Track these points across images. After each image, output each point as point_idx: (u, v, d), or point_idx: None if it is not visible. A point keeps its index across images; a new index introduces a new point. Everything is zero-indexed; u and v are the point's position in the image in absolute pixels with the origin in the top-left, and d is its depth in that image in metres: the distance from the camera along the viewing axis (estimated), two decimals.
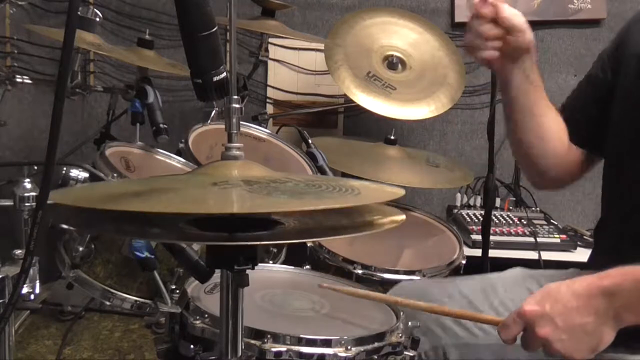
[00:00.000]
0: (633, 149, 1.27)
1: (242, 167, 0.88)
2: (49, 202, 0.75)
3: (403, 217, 0.90)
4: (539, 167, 1.41)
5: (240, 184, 0.82)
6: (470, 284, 1.42)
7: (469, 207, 2.47)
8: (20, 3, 2.21)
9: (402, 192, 0.88)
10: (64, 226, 0.81)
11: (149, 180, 1.00)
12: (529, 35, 1.32)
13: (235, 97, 0.89)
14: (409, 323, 1.21)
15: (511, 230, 2.23)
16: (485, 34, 1.29)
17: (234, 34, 0.89)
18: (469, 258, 1.89)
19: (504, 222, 2.30)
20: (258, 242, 0.86)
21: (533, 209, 2.48)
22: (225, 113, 0.89)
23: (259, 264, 0.88)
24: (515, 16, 1.30)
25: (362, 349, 1.08)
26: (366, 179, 2.16)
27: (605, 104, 1.34)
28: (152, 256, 1.35)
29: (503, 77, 1.35)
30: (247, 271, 0.87)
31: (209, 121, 0.92)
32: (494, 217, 2.27)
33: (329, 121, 2.63)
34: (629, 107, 1.28)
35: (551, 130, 1.38)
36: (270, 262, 1.68)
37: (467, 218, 2.34)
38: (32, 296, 1.11)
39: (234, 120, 0.89)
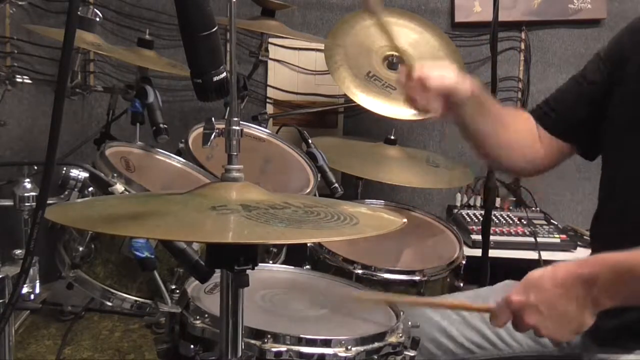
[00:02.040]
0: (632, 147, 1.28)
1: (241, 190, 0.89)
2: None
3: (404, 221, 0.90)
4: (507, 169, 1.49)
5: (238, 209, 0.82)
6: (462, 299, 1.43)
7: (469, 207, 2.47)
8: (20, 3, 2.21)
9: (401, 222, 0.91)
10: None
11: (147, 198, 1.00)
12: (464, 86, 1.31)
13: (236, 119, 0.90)
14: (409, 323, 1.21)
15: (511, 230, 2.23)
16: (420, 100, 1.31)
17: (234, 34, 0.89)
18: (469, 258, 1.89)
19: (504, 222, 2.30)
20: (258, 242, 0.86)
21: (533, 209, 2.48)
22: (226, 135, 0.90)
23: (259, 264, 0.88)
24: (443, 80, 1.30)
25: (362, 349, 1.08)
26: (366, 179, 2.17)
27: (597, 105, 1.35)
28: (152, 256, 1.35)
29: (454, 119, 1.38)
30: (247, 271, 0.87)
31: (208, 144, 0.93)
32: (494, 217, 2.27)
33: (329, 121, 2.63)
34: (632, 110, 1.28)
35: (517, 139, 1.42)
36: (270, 262, 1.67)
37: (467, 218, 2.34)
38: (32, 296, 1.11)
39: (234, 142, 0.90)
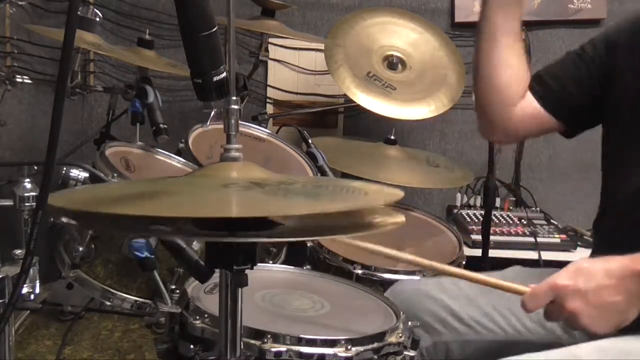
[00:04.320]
0: (634, 142, 1.28)
1: (243, 169, 0.89)
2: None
3: (403, 219, 0.90)
4: (489, 113, 1.43)
5: (250, 186, 0.82)
6: (469, 282, 1.41)
7: (469, 207, 2.47)
8: (20, 3, 2.20)
9: (401, 193, 0.89)
10: (65, 220, 0.80)
11: (150, 182, 1.00)
12: None
13: (234, 98, 0.89)
14: (409, 323, 1.21)
15: (511, 230, 2.23)
16: None
17: (233, 34, 0.89)
18: (469, 258, 1.90)
19: (504, 222, 2.30)
20: (258, 240, 0.86)
21: (533, 209, 2.48)
22: (224, 114, 0.89)
23: (259, 264, 0.88)
24: None
25: (362, 349, 1.08)
26: (366, 179, 2.17)
27: (589, 87, 1.34)
28: (152, 256, 1.35)
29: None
30: (247, 271, 0.87)
31: (208, 122, 0.92)
32: (494, 217, 2.27)
33: (329, 121, 2.63)
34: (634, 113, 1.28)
35: (509, 69, 1.38)
36: (270, 262, 1.67)
37: (467, 218, 2.34)
38: (32, 296, 1.11)
39: (233, 121, 0.90)
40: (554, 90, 1.40)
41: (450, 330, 1.35)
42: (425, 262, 1.24)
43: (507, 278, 1.38)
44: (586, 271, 1.06)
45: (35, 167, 1.28)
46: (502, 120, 1.42)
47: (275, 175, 0.90)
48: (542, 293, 1.08)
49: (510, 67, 1.39)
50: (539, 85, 1.41)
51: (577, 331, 1.32)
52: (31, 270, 1.09)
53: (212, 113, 0.93)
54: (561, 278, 1.07)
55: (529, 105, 1.40)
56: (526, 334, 1.36)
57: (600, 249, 1.39)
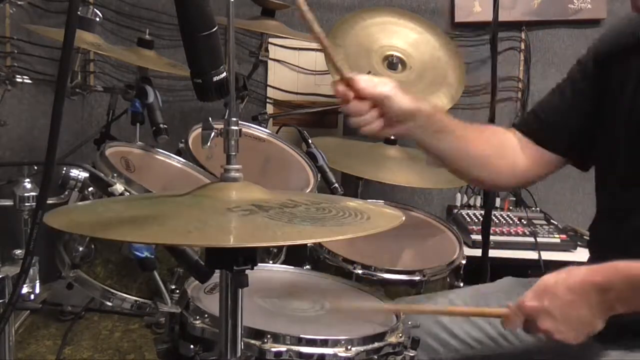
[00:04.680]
0: (627, 153, 1.27)
1: (243, 189, 0.89)
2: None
3: (402, 218, 0.90)
4: (483, 184, 1.46)
5: (254, 210, 0.82)
6: (462, 296, 1.44)
7: (469, 207, 2.47)
8: (20, 3, 2.21)
9: (400, 216, 0.92)
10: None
11: (151, 201, 1.00)
12: (399, 101, 1.25)
13: (234, 119, 0.90)
14: (409, 323, 1.21)
15: (511, 230, 2.23)
16: (355, 110, 1.24)
17: (233, 34, 0.89)
18: (469, 258, 1.89)
19: (504, 222, 2.30)
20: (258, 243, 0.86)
21: (533, 209, 2.48)
22: (224, 135, 0.90)
23: (259, 264, 0.88)
24: (375, 86, 1.24)
25: (362, 349, 1.08)
26: (366, 179, 2.17)
27: (586, 114, 1.34)
28: (152, 256, 1.35)
29: (407, 137, 1.33)
30: (247, 271, 0.87)
31: (207, 144, 0.93)
32: (494, 217, 2.27)
33: (329, 121, 2.63)
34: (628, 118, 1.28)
35: (486, 154, 1.38)
36: (270, 262, 1.67)
37: (467, 218, 2.34)
38: (32, 296, 1.11)
39: (233, 142, 0.90)
40: (545, 125, 1.39)
41: (446, 346, 1.36)
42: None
43: (498, 290, 1.42)
44: (551, 290, 1.11)
45: (35, 167, 1.28)
46: (505, 178, 1.41)
47: (276, 196, 0.90)
48: (514, 316, 1.13)
49: (483, 146, 1.38)
50: (530, 125, 1.41)
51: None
52: (31, 270, 1.09)
53: (212, 134, 0.93)
54: (528, 299, 1.12)
55: (529, 147, 1.39)
56: (520, 345, 1.37)
57: (595, 252, 1.40)
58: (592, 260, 1.36)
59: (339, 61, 1.24)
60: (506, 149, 1.40)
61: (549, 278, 1.12)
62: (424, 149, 1.35)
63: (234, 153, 0.90)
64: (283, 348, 1.06)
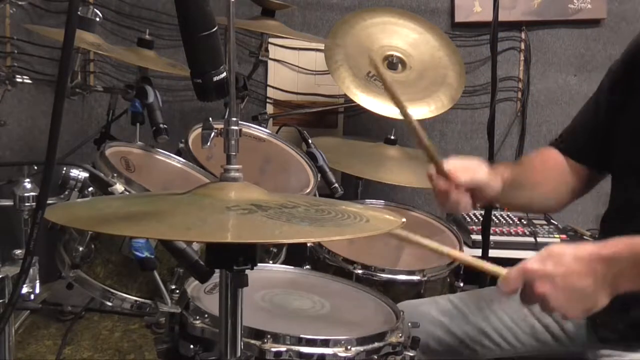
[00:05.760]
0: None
1: (243, 190, 0.89)
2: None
3: (403, 220, 0.91)
4: (546, 211, 1.62)
5: (253, 209, 0.82)
6: (464, 299, 1.43)
7: None
8: (20, 3, 2.20)
9: (400, 221, 0.92)
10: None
11: (152, 199, 1.00)
12: (496, 183, 1.32)
13: (234, 119, 0.90)
14: (409, 323, 1.21)
15: (511, 230, 2.23)
16: (455, 200, 1.31)
17: (233, 34, 0.89)
18: None
19: (504, 222, 2.30)
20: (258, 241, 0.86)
21: None
22: (224, 135, 0.90)
23: (259, 264, 0.88)
24: (473, 175, 1.30)
25: (362, 349, 1.08)
26: (366, 179, 2.17)
27: (614, 124, 1.33)
28: (152, 256, 1.35)
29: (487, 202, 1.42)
30: (247, 271, 0.87)
31: (207, 144, 0.93)
32: (494, 217, 2.27)
33: (329, 121, 2.63)
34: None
35: (548, 185, 1.42)
36: (270, 262, 1.67)
37: (467, 218, 2.34)
38: (32, 296, 1.11)
39: (233, 142, 0.90)
40: (581, 141, 1.41)
41: (446, 348, 1.36)
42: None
43: None
44: (556, 255, 1.08)
45: (35, 167, 1.28)
46: (563, 199, 1.45)
47: (276, 197, 0.90)
48: (513, 277, 1.10)
49: (545, 179, 1.42)
50: (567, 144, 1.43)
51: (569, 342, 1.34)
52: (31, 270, 1.09)
53: (212, 134, 0.93)
54: (531, 262, 1.09)
55: (572, 164, 1.41)
56: (520, 347, 1.38)
57: None
58: None
59: (434, 152, 1.28)
60: (562, 172, 1.42)
61: (556, 246, 1.10)
62: (498, 203, 1.47)
63: (234, 153, 0.90)
64: (283, 348, 1.06)
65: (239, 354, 0.91)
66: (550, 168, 1.43)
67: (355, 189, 2.27)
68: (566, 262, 1.06)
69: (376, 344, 1.11)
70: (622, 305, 1.10)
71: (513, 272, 1.10)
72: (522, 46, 2.62)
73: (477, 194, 1.31)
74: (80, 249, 1.45)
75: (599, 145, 1.37)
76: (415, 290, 1.68)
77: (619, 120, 1.32)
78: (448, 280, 1.79)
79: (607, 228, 1.37)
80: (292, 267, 1.47)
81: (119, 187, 1.40)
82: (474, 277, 1.92)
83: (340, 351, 1.07)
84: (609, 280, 1.05)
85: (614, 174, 1.37)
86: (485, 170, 1.31)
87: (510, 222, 2.30)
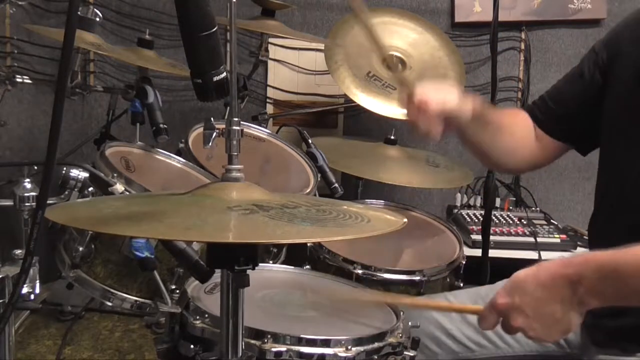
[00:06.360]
0: (626, 146, 1.28)
1: (244, 190, 0.89)
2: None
3: (405, 220, 0.91)
4: (506, 170, 1.47)
5: (255, 209, 0.83)
6: (461, 298, 1.43)
7: (469, 207, 2.47)
8: (20, 3, 2.21)
9: (401, 221, 0.92)
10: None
11: (152, 199, 1.00)
12: (466, 108, 1.32)
13: (236, 119, 0.90)
14: (409, 323, 1.21)
15: (511, 230, 2.23)
16: (426, 127, 1.30)
17: (234, 34, 0.89)
18: (469, 258, 1.89)
19: (504, 222, 2.30)
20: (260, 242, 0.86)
21: (533, 209, 2.48)
22: (226, 135, 0.90)
23: (259, 264, 0.88)
24: (444, 104, 1.29)
25: (362, 349, 1.08)
26: (366, 179, 2.17)
27: (593, 103, 1.36)
28: (152, 256, 1.35)
29: (455, 134, 1.40)
30: (248, 271, 0.87)
31: (209, 144, 0.93)
32: (494, 217, 2.27)
33: (329, 121, 2.63)
34: (625, 112, 1.28)
35: (517, 143, 1.44)
36: (270, 262, 1.67)
37: (467, 218, 2.34)
38: (32, 296, 1.11)
39: (234, 142, 0.90)
40: (554, 113, 1.43)
41: (445, 349, 1.36)
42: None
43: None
44: (521, 286, 1.07)
45: (35, 167, 1.28)
46: (525, 164, 1.48)
47: (277, 197, 0.90)
48: (487, 314, 1.10)
49: (515, 135, 1.43)
50: (540, 114, 1.44)
51: (566, 345, 1.34)
52: (31, 270, 1.09)
53: (214, 134, 0.93)
54: (500, 296, 1.09)
55: (540, 134, 1.43)
56: (518, 348, 1.38)
57: (594, 248, 1.40)
58: None
59: (409, 76, 1.30)
60: (531, 136, 1.44)
61: (519, 273, 1.09)
62: (462, 139, 1.42)
63: (235, 153, 0.90)
64: (283, 348, 1.06)
65: (240, 354, 0.91)
66: (518, 123, 1.45)
67: (355, 189, 2.27)
68: (529, 291, 1.06)
69: (376, 344, 1.11)
70: (611, 309, 1.09)
71: (486, 310, 1.11)
72: (522, 46, 2.62)
73: (448, 122, 1.31)
74: (80, 249, 1.45)
75: (572, 121, 1.40)
76: (415, 290, 1.68)
77: (596, 107, 1.34)
78: (448, 280, 1.79)
79: (597, 228, 1.39)
80: (292, 267, 1.47)
81: (119, 187, 1.39)
82: (474, 277, 1.92)
83: (340, 351, 1.07)
84: (577, 300, 1.04)
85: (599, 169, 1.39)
86: (456, 95, 1.31)
87: (510, 222, 2.30)
